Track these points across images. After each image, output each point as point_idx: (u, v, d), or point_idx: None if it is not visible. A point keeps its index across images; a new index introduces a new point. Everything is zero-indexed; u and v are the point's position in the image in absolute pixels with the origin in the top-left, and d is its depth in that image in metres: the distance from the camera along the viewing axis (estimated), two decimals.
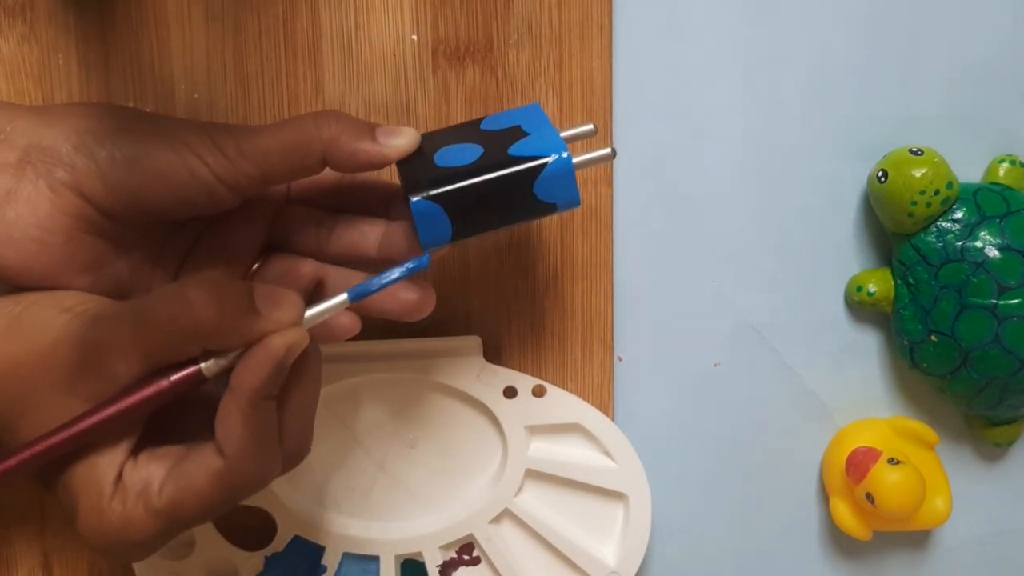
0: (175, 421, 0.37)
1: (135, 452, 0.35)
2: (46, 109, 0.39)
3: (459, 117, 0.48)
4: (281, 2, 0.46)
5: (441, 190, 0.38)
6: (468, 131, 0.41)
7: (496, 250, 0.49)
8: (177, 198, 0.37)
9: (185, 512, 0.34)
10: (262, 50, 0.46)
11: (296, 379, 0.36)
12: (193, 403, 0.37)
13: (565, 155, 0.38)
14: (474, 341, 0.48)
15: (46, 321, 0.35)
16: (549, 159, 0.38)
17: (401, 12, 0.47)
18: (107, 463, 0.34)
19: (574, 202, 0.39)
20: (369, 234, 0.41)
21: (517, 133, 0.40)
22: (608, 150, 0.40)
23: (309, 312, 0.36)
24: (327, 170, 0.39)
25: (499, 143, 0.40)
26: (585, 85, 0.48)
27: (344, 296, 0.37)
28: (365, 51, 0.47)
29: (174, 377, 0.34)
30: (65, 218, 0.36)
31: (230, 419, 0.34)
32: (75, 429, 0.34)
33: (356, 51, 0.47)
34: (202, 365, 0.35)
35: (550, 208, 0.39)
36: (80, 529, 0.35)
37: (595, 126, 0.41)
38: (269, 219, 0.42)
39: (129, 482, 0.34)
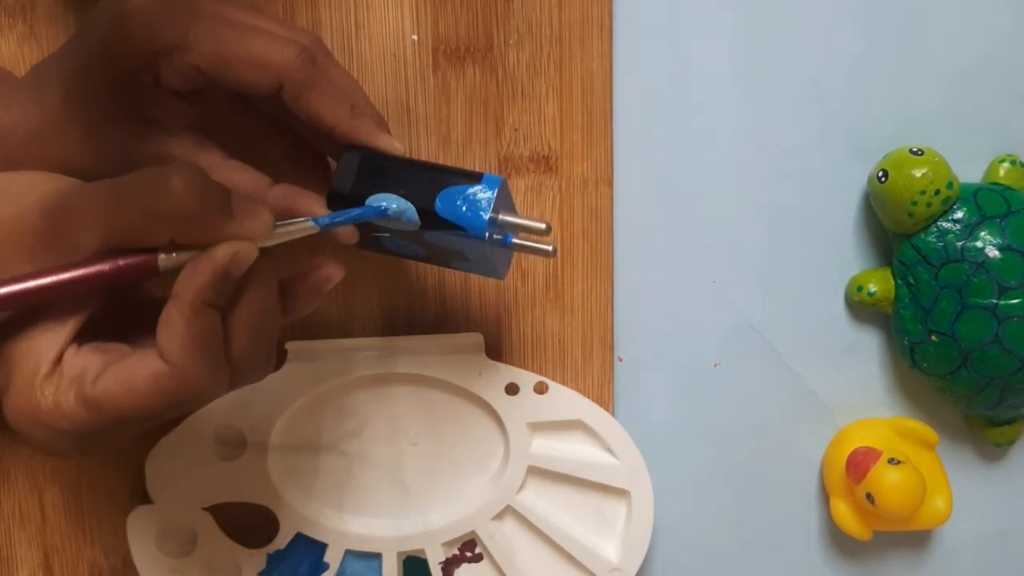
0: (132, 325, 0.36)
1: (81, 341, 0.35)
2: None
3: (459, 117, 0.48)
4: (281, 2, 0.46)
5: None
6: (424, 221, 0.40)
7: None
8: None
9: (117, 408, 0.33)
10: None
11: (243, 292, 0.35)
12: (150, 308, 0.36)
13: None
14: (476, 338, 0.48)
15: (27, 189, 0.35)
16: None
17: (401, 12, 0.47)
18: (48, 340, 0.34)
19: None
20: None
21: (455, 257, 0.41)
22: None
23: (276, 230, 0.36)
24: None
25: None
26: (585, 85, 0.48)
27: (310, 222, 0.37)
28: (365, 51, 0.47)
29: (124, 261, 0.34)
30: None
31: (172, 323, 0.34)
32: (13, 287, 0.33)
33: (356, 51, 0.47)
34: (160, 256, 0.34)
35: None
36: (7, 406, 0.34)
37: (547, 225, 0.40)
38: None
39: (67, 366, 0.34)
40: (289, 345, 0.47)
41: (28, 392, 0.33)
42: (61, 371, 0.34)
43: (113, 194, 0.34)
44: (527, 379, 0.48)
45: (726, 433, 0.52)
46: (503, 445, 0.49)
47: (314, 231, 0.37)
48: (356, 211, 0.38)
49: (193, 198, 0.33)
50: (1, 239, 0.34)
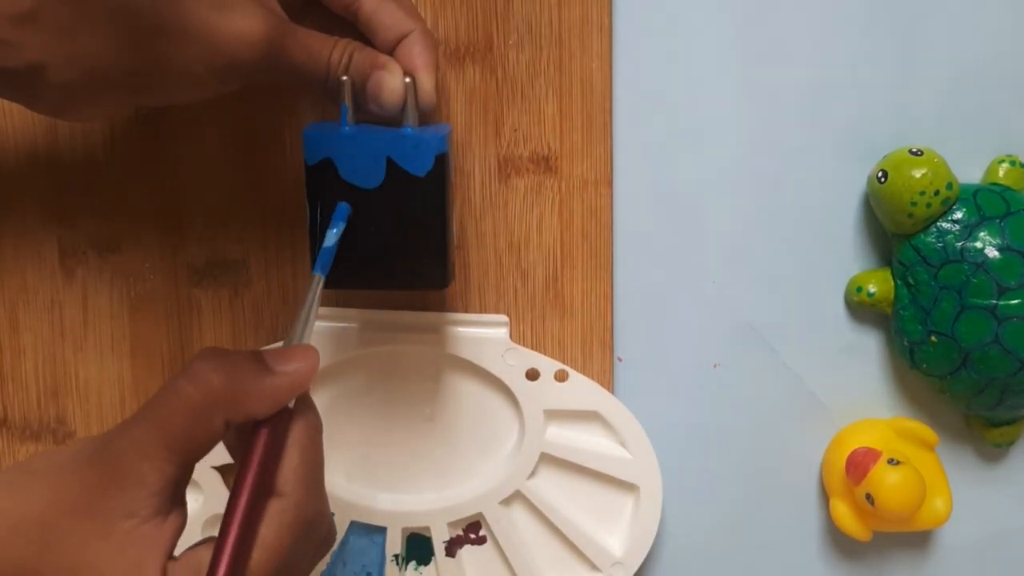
0: None
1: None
2: None
3: (459, 117, 0.48)
4: None
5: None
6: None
7: (496, 251, 0.49)
8: None
9: (263, 571, 0.33)
10: None
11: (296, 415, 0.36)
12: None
13: None
14: (502, 320, 0.48)
15: (48, 461, 0.34)
16: None
17: None
18: (150, 562, 0.32)
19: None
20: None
21: None
22: None
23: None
24: None
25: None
26: (585, 85, 0.48)
27: (316, 274, 0.39)
28: None
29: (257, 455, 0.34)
30: None
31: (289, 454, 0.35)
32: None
33: None
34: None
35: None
36: None
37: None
38: None
39: (182, 572, 0.33)
40: None
41: None
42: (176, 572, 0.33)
43: (152, 414, 0.33)
44: (548, 366, 0.48)
45: (726, 433, 0.52)
46: (518, 429, 0.49)
47: (321, 281, 0.39)
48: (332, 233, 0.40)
49: (223, 377, 0.33)
50: (47, 511, 0.33)
